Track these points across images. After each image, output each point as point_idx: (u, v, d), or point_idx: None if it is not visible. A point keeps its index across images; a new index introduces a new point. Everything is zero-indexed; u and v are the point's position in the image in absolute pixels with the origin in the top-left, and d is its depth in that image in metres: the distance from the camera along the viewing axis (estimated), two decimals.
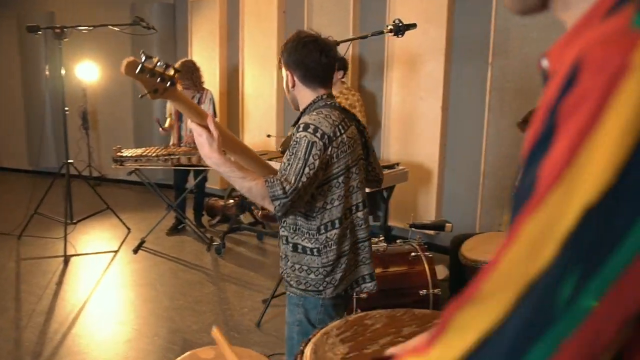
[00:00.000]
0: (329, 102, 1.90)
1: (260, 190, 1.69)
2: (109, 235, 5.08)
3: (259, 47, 5.82)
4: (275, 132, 5.77)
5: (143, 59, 1.47)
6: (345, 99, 4.63)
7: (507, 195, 4.20)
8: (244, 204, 4.80)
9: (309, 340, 1.38)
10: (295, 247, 1.90)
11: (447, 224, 3.17)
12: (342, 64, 4.50)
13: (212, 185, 6.00)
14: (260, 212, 2.25)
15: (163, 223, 4.89)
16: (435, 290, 2.84)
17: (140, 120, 6.98)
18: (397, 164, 4.23)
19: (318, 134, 1.74)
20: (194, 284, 3.98)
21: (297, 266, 1.90)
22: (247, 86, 6.02)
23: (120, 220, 5.07)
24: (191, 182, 5.17)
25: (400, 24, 2.77)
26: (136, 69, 1.46)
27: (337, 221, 1.85)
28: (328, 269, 1.87)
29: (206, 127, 1.68)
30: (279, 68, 2.04)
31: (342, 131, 1.83)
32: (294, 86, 1.93)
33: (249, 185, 1.70)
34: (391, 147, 4.95)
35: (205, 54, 6.19)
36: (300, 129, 1.77)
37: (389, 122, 4.93)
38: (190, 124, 1.70)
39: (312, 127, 1.75)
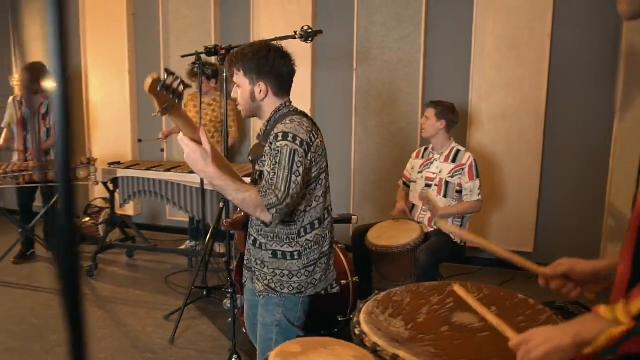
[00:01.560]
0: (292, 109, 1.95)
1: (255, 200, 1.69)
2: None
3: (106, 51, 5.39)
4: (131, 141, 5.41)
5: (166, 76, 1.39)
6: (220, 107, 4.60)
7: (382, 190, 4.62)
8: (115, 220, 4.42)
9: (358, 323, 1.45)
10: (274, 253, 1.91)
11: (353, 217, 3.41)
12: (215, 72, 4.47)
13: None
14: (226, 221, 2.19)
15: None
16: (354, 279, 3.04)
17: None
18: None
19: (297, 142, 1.77)
20: None
21: (277, 271, 1.92)
22: (94, 93, 5.52)
23: None
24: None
25: (310, 30, 2.91)
26: (158, 85, 1.39)
27: (316, 222, 1.92)
28: (310, 269, 1.92)
29: (199, 142, 1.65)
30: (229, 79, 2.02)
31: (316, 136, 1.89)
32: (266, 96, 1.91)
33: (243, 197, 1.70)
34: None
35: (39, 57, 5.48)
36: (280, 138, 1.77)
37: (258, 128, 5.00)
38: (182, 139, 1.63)
39: (290, 135, 1.77)
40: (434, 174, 3.46)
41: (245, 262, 2.11)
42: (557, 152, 4.29)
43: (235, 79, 1.97)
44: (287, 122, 1.84)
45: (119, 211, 4.71)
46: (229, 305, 2.89)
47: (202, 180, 3.65)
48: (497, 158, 4.38)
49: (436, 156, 3.47)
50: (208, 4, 4.97)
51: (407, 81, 4.51)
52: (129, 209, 5.34)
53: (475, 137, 4.41)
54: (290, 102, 1.97)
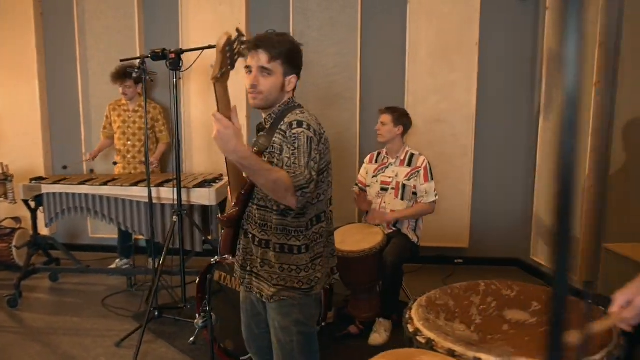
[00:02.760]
0: (297, 104, 1.92)
1: (287, 181, 1.63)
2: None
3: (10, 53, 4.82)
4: (44, 154, 4.90)
5: (236, 35, 1.34)
6: (148, 112, 4.33)
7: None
8: (39, 242, 3.96)
9: (418, 331, 1.43)
10: (282, 247, 1.84)
11: None
12: (140, 77, 4.19)
13: None
14: (222, 216, 2.04)
15: None
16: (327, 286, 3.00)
17: None
18: (221, 175, 4.19)
19: (312, 130, 1.76)
20: (10, 348, 3.13)
21: (285, 267, 1.85)
22: None
23: None
24: None
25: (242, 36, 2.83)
26: (229, 44, 1.34)
27: (322, 215, 1.89)
28: (316, 262, 1.88)
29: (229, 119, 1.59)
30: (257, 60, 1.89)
31: (323, 130, 1.88)
32: (291, 90, 1.88)
33: (276, 177, 1.61)
34: (194, 158, 4.82)
35: None
36: (295, 125, 1.75)
37: (190, 133, 4.78)
38: (216, 116, 1.52)
39: (305, 124, 1.76)
40: (390, 177, 3.52)
41: (239, 265, 2.00)
42: (487, 153, 4.58)
43: (268, 64, 1.83)
44: (298, 112, 1.83)
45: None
46: (201, 324, 2.71)
47: (150, 194, 3.39)
48: (432, 160, 4.54)
49: (391, 160, 3.54)
50: (130, 3, 4.65)
51: (344, 86, 4.57)
52: (43, 228, 4.82)
53: (412, 140, 4.56)
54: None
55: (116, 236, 4.57)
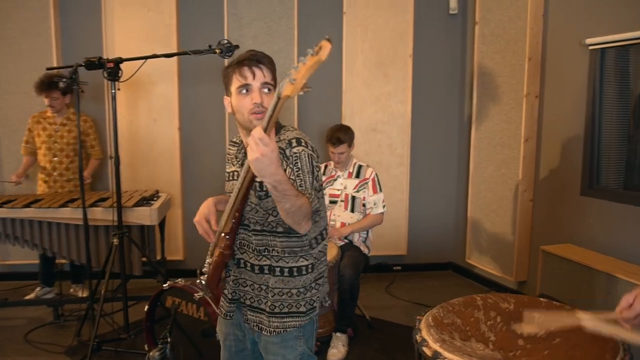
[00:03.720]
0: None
1: (308, 207, 1.55)
2: None
3: None
4: None
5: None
6: (76, 126, 3.98)
7: None
8: None
9: (439, 354, 1.40)
10: (290, 271, 1.73)
11: None
12: (69, 88, 3.85)
13: None
14: (220, 247, 1.87)
15: None
16: None
17: None
18: (158, 192, 3.94)
19: (310, 148, 1.69)
20: None
21: (294, 291, 1.74)
22: None
23: None
24: None
25: (229, 44, 2.71)
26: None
27: (324, 232, 1.82)
28: (319, 282, 1.81)
29: None
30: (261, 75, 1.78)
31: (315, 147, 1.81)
32: None
33: (302, 202, 1.51)
34: (122, 174, 4.47)
35: None
36: (294, 144, 1.66)
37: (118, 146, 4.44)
38: (262, 138, 1.35)
39: (303, 141, 1.68)
40: (338, 190, 3.50)
41: (227, 298, 1.86)
42: (422, 162, 4.72)
43: (272, 80, 1.72)
44: (290, 128, 1.75)
45: None
46: (158, 357, 2.50)
47: (85, 215, 3.08)
48: None
49: (339, 173, 3.52)
50: (46, 6, 4.24)
51: None
52: None
53: None
54: None
55: (31, 262, 4.13)
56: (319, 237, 1.79)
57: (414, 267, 4.80)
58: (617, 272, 2.89)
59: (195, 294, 2.58)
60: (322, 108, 4.58)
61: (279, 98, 1.31)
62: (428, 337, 1.46)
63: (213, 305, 2.63)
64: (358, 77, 4.52)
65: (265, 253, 1.74)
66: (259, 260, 1.75)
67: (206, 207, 1.85)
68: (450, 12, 4.59)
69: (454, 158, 4.78)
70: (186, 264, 4.56)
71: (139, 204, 3.38)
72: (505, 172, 4.03)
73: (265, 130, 1.36)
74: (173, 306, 2.32)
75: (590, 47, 3.35)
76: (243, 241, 1.79)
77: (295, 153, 1.64)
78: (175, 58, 4.36)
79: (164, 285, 2.73)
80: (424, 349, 1.42)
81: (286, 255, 1.73)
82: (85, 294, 4.01)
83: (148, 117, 4.44)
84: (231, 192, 1.83)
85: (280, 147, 1.64)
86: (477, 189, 4.37)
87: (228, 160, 1.96)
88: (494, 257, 4.19)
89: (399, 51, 4.51)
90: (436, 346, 1.40)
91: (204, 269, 1.92)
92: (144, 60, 2.97)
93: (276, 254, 1.73)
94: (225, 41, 2.73)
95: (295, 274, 1.73)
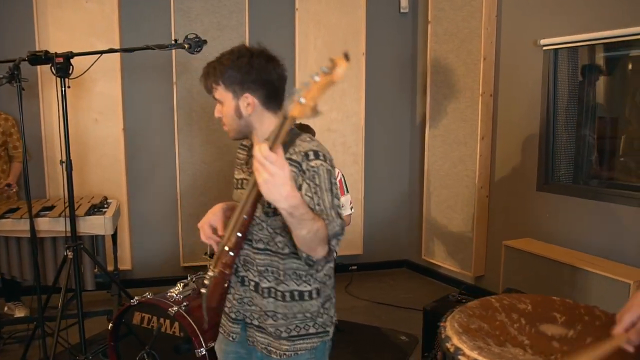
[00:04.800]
0: (296, 125, 1.68)
1: (324, 231, 1.40)
2: None
3: None
4: None
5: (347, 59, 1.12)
6: (9, 123, 3.62)
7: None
8: None
9: (457, 351, 1.35)
10: (292, 295, 1.59)
11: None
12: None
13: None
14: (217, 261, 1.68)
15: None
16: None
17: None
18: (106, 198, 3.64)
19: (328, 161, 1.53)
20: None
21: (299, 315, 1.61)
22: None
23: None
24: None
25: (198, 39, 2.53)
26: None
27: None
28: (326, 307, 1.69)
29: None
30: (210, 92, 1.62)
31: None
32: (252, 111, 1.58)
33: (317, 227, 1.36)
34: (59, 178, 4.10)
35: None
36: (312, 156, 1.49)
37: (53, 148, 4.06)
38: (269, 156, 1.19)
39: (321, 154, 1.52)
40: None
41: (229, 318, 1.71)
42: (376, 160, 4.72)
43: (215, 94, 1.60)
44: (307, 139, 1.56)
45: None
46: None
47: (32, 228, 2.76)
48: None
49: None
50: None
51: None
52: None
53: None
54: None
55: None
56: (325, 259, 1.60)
57: (369, 267, 4.79)
58: (580, 263, 3.01)
59: (170, 309, 2.42)
60: None
61: (285, 118, 1.16)
62: (462, 345, 1.40)
63: (188, 318, 2.46)
64: (311, 73, 4.42)
65: (266, 274, 1.59)
66: (262, 281, 1.61)
67: (212, 213, 1.69)
68: (402, 10, 4.61)
69: (408, 156, 4.82)
70: (134, 274, 4.27)
71: (91, 212, 3.10)
72: (461, 170, 4.10)
73: (273, 145, 1.20)
74: (157, 327, 2.12)
75: (545, 48, 3.47)
76: (247, 258, 1.64)
77: (313, 167, 1.48)
78: (117, 54, 4.06)
79: (132, 300, 2.50)
80: (461, 357, 1.36)
81: (288, 278, 1.58)
82: (22, 313, 3.63)
83: (89, 117, 4.10)
84: (239, 202, 1.69)
85: (295, 161, 1.49)
86: (433, 186, 4.43)
87: (237, 165, 1.79)
88: (451, 253, 4.26)
89: (352, 49, 4.46)
90: (474, 354, 1.35)
91: (205, 281, 1.76)
92: (98, 55, 2.71)
93: (279, 276, 1.58)
94: (193, 35, 2.54)
95: (297, 298, 1.59)
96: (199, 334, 2.37)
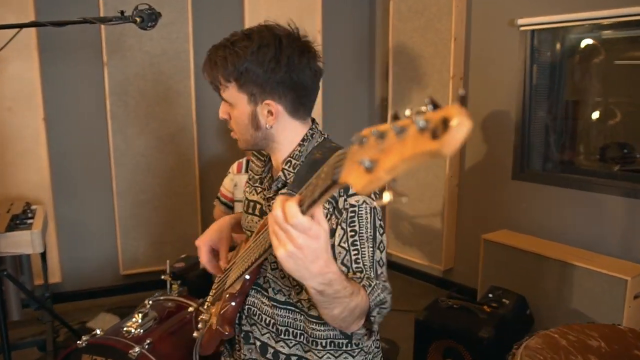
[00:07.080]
0: (326, 136, 1.24)
1: (363, 306, 1.00)
2: None
3: None
4: None
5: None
6: None
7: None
8: None
9: None
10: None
11: None
12: None
13: None
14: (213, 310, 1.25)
15: None
16: None
17: None
18: (29, 205, 3.03)
19: (372, 196, 1.12)
20: None
21: None
22: None
23: None
24: None
25: (152, 11, 2.03)
26: None
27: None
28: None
29: None
30: (216, 89, 1.19)
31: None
32: (275, 122, 1.17)
33: (356, 303, 0.97)
34: None
35: None
36: (351, 190, 1.08)
37: None
38: (299, 220, 0.77)
39: None
40: None
41: None
42: None
43: (224, 93, 1.18)
44: None
45: None
46: None
47: None
48: None
49: None
50: None
51: (176, 77, 3.77)
52: None
53: None
54: (317, 124, 1.27)
55: None
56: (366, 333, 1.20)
57: None
58: (568, 257, 2.86)
59: (131, 351, 1.96)
60: None
61: (333, 183, 0.70)
62: None
63: None
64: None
65: (286, 337, 1.19)
66: (277, 345, 1.20)
67: (216, 231, 1.28)
68: None
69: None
70: (64, 287, 3.67)
71: (13, 226, 2.51)
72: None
73: (304, 212, 0.77)
74: None
75: (522, 28, 3.26)
76: (253, 308, 1.24)
77: (353, 206, 1.08)
78: (32, 29, 3.39)
79: (79, 342, 2.01)
80: None
81: (321, 348, 1.16)
82: None
83: (0, 106, 3.41)
84: (250, 230, 1.28)
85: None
86: (398, 175, 4.16)
87: (249, 182, 1.37)
88: (419, 246, 4.04)
89: (308, 26, 3.97)
90: None
91: (199, 324, 1.35)
92: (16, 30, 2.12)
93: (305, 342, 1.18)
94: (146, 7, 2.03)
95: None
96: None
